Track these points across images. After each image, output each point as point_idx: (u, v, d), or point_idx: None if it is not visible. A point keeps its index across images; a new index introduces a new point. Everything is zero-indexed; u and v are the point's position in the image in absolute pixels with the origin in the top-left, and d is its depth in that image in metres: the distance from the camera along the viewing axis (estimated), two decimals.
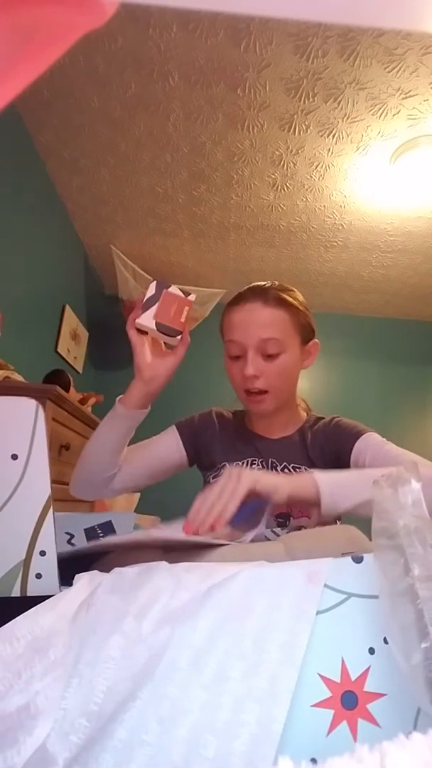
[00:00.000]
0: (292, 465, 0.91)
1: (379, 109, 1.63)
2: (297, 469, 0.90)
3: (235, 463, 0.93)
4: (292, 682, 0.36)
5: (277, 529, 0.83)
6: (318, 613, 0.39)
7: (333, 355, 3.16)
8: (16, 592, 0.42)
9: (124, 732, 0.34)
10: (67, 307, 2.51)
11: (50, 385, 1.72)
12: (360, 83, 1.54)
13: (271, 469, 0.91)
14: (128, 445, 0.93)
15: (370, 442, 0.86)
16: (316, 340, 0.95)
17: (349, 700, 0.38)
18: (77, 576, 0.42)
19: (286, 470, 0.90)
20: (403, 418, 3.15)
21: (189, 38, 1.43)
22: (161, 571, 0.42)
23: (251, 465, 0.92)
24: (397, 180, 1.94)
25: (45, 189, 2.14)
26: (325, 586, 0.40)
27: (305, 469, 0.90)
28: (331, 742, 0.35)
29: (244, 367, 0.85)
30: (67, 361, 2.54)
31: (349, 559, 0.42)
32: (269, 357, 0.86)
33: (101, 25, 0.17)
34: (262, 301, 0.87)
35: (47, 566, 0.43)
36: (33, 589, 0.42)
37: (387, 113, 1.64)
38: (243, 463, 0.93)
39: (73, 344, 2.62)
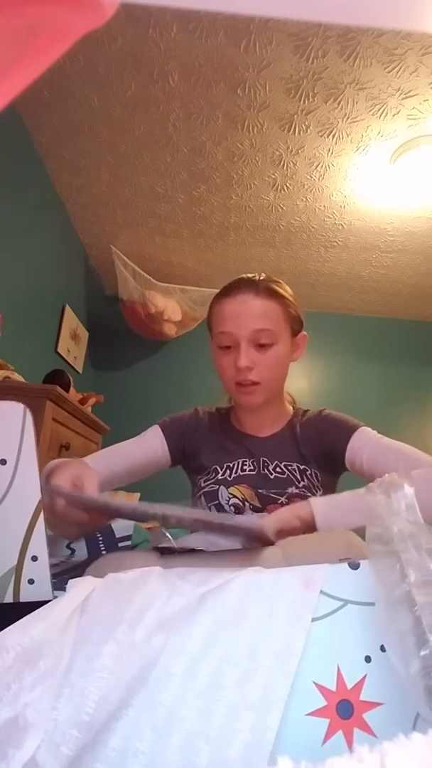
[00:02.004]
0: (284, 463, 0.90)
1: (379, 109, 1.63)
2: (289, 467, 0.89)
3: (225, 465, 0.92)
4: (285, 690, 0.35)
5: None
6: (314, 619, 0.38)
7: (333, 355, 3.16)
8: (8, 598, 0.42)
9: (118, 740, 0.34)
10: (67, 307, 2.51)
11: (50, 385, 1.72)
12: (360, 83, 1.54)
13: (263, 469, 0.90)
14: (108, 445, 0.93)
15: (365, 438, 0.85)
16: (305, 333, 0.94)
17: (344, 709, 0.37)
18: (71, 582, 0.41)
19: (278, 469, 0.90)
20: (403, 418, 3.15)
21: (189, 38, 1.43)
22: (156, 576, 0.41)
23: (242, 466, 0.91)
24: (397, 180, 1.94)
25: (45, 189, 2.14)
26: (321, 592, 0.39)
27: (297, 466, 0.89)
28: (326, 752, 0.35)
29: (237, 359, 0.84)
30: (67, 361, 2.54)
31: (345, 565, 0.41)
32: (261, 347, 0.85)
33: (101, 25, 0.17)
34: (254, 292, 0.87)
35: (39, 571, 0.42)
36: (26, 595, 0.42)
37: (387, 113, 1.64)
38: (234, 464, 0.92)
39: (73, 344, 2.62)
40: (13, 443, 0.40)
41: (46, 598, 0.42)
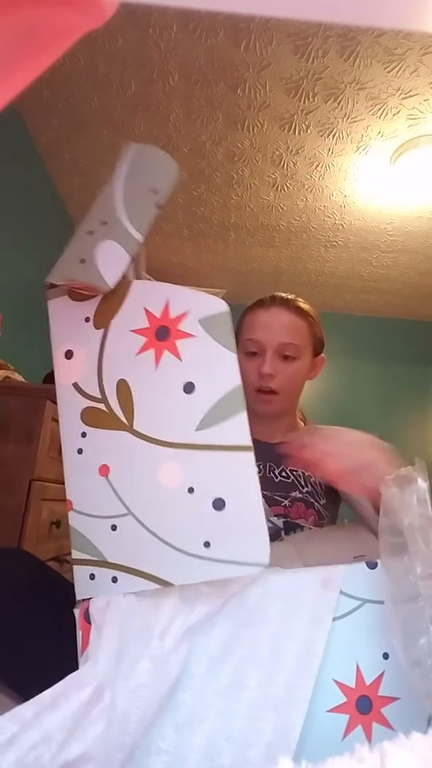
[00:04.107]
0: (290, 468, 0.92)
1: (379, 109, 1.63)
2: (294, 472, 0.92)
3: None
4: (308, 690, 0.36)
5: (274, 518, 0.84)
6: (333, 619, 0.39)
7: (333, 355, 3.15)
8: (73, 554, 0.44)
9: (142, 740, 0.34)
10: None
11: (50, 385, 1.72)
12: (360, 83, 1.54)
13: (269, 472, 0.92)
14: None
15: None
16: (323, 356, 1.01)
17: (363, 705, 0.38)
18: (93, 600, 0.41)
19: (283, 473, 0.92)
20: (403, 418, 3.15)
21: (189, 38, 1.43)
22: (179, 586, 0.42)
23: None
24: (397, 180, 1.94)
25: (45, 189, 2.14)
26: (341, 592, 0.41)
27: (302, 472, 0.91)
28: (345, 747, 0.36)
29: (261, 366, 0.89)
30: None
31: (363, 564, 0.42)
32: (285, 359, 0.91)
33: (101, 25, 0.17)
34: (286, 308, 0.93)
35: (104, 585, 0.43)
36: (78, 573, 0.44)
37: (387, 113, 1.64)
38: None
39: None
40: (228, 552, 0.41)
41: (77, 594, 0.43)
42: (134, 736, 0.34)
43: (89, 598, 0.41)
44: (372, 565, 0.42)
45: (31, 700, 0.35)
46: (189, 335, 0.44)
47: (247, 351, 0.93)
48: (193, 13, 1.35)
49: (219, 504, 0.40)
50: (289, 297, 0.96)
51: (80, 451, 0.44)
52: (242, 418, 0.41)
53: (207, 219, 2.35)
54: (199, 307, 0.46)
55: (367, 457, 0.66)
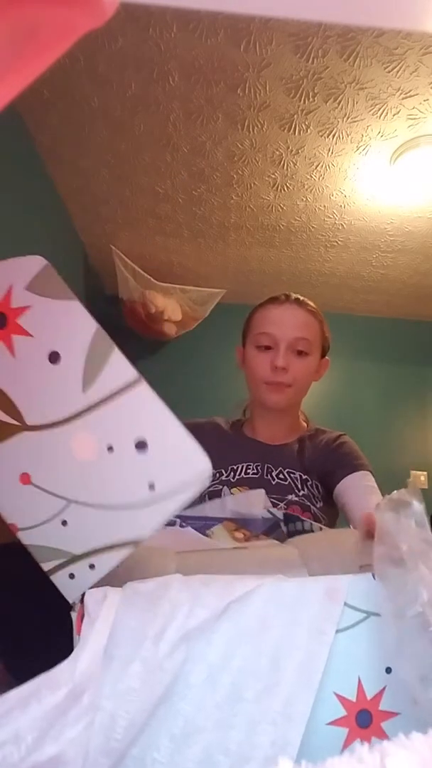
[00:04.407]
0: (287, 470, 0.92)
1: (379, 109, 1.63)
2: (291, 474, 0.92)
3: (230, 467, 0.93)
4: (308, 705, 0.35)
5: (274, 510, 0.84)
6: (337, 632, 0.38)
7: (333, 355, 3.15)
8: (45, 567, 0.42)
9: (136, 750, 0.34)
10: None
11: None
12: (360, 83, 1.54)
13: (266, 474, 0.92)
14: None
15: (361, 483, 0.87)
16: (328, 358, 1.02)
17: (363, 719, 0.38)
18: (89, 593, 0.41)
19: (281, 475, 0.92)
20: (403, 418, 3.15)
21: (189, 38, 1.43)
22: (178, 585, 0.41)
23: (246, 469, 0.93)
24: (397, 180, 1.94)
25: (45, 189, 2.14)
26: (345, 604, 0.40)
27: (299, 475, 0.91)
28: None
29: (275, 358, 0.90)
30: None
31: (369, 575, 0.41)
32: (299, 354, 0.92)
33: (101, 25, 0.17)
34: (298, 305, 0.95)
35: (86, 577, 0.42)
36: (58, 580, 0.42)
37: (387, 113, 1.64)
38: (238, 467, 0.94)
39: None
40: (172, 480, 0.39)
41: (69, 598, 0.42)
42: (123, 742, 0.33)
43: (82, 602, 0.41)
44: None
45: (12, 693, 0.35)
46: (25, 308, 0.41)
47: (260, 345, 0.93)
48: (193, 13, 1.35)
49: (141, 445, 0.39)
50: (301, 297, 0.98)
51: None
52: (117, 356, 0.39)
53: (207, 219, 2.35)
54: (19, 275, 0.44)
55: None
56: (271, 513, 0.74)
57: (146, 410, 0.39)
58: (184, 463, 0.39)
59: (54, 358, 0.39)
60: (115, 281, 2.70)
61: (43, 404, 0.39)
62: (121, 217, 2.40)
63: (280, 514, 0.74)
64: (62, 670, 0.36)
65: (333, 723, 0.37)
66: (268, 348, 0.92)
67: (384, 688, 0.39)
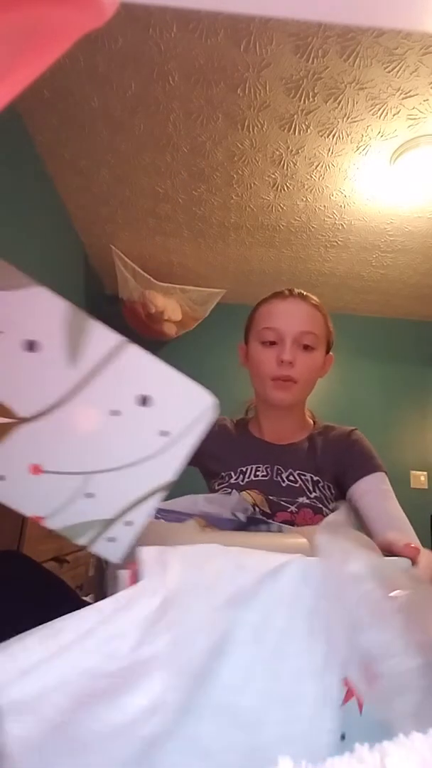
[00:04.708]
0: (298, 472, 0.90)
1: (379, 109, 1.63)
2: (302, 476, 0.90)
3: (239, 470, 0.92)
4: (339, 659, 0.40)
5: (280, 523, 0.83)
6: None
7: (333, 354, 3.16)
8: (82, 542, 0.42)
9: (204, 698, 0.38)
10: None
11: None
12: (360, 83, 1.54)
13: (276, 476, 0.90)
14: None
15: (376, 486, 0.86)
16: (332, 354, 1.00)
17: None
18: (145, 550, 0.42)
19: (291, 477, 0.90)
20: (404, 418, 3.15)
21: (189, 38, 1.43)
22: (220, 552, 0.44)
23: (255, 471, 0.92)
24: (397, 180, 1.94)
25: (45, 189, 2.14)
26: None
27: (310, 477, 0.89)
28: (345, 711, 0.40)
29: (281, 353, 0.88)
30: None
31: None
32: (305, 349, 0.90)
33: (101, 25, 0.17)
34: (302, 299, 0.94)
35: (125, 535, 0.43)
36: (99, 548, 0.43)
37: (387, 113, 1.64)
38: (247, 469, 0.92)
39: None
40: (182, 422, 0.41)
41: (114, 560, 0.43)
42: (192, 673, 0.37)
43: (132, 562, 0.42)
44: None
45: (108, 600, 0.37)
46: None
47: (264, 340, 0.91)
48: (193, 13, 1.35)
49: (145, 400, 0.40)
50: (304, 292, 0.97)
51: (1, 479, 0.40)
52: (95, 326, 0.38)
53: (207, 219, 2.35)
54: None
55: None
56: (235, 516, 0.74)
57: (139, 367, 0.39)
58: (190, 403, 0.41)
59: (31, 346, 0.38)
60: (115, 281, 2.70)
61: (32, 393, 0.39)
62: (121, 217, 2.40)
63: (243, 517, 0.74)
64: (154, 580, 0.39)
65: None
66: (273, 343, 0.90)
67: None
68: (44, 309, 0.38)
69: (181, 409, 0.41)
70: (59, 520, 0.42)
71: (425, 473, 3.02)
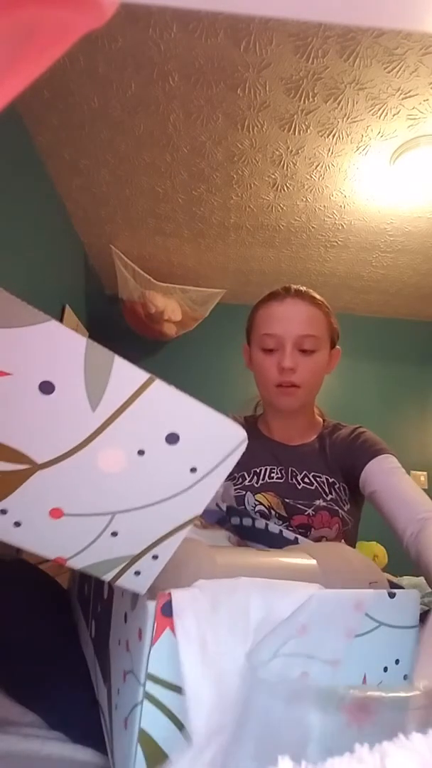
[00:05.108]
0: (312, 474, 0.90)
1: (379, 109, 1.63)
2: (317, 478, 0.89)
3: (252, 471, 0.92)
4: None
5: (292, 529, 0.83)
6: (356, 636, 0.46)
7: (340, 348, 3.16)
8: (108, 577, 0.41)
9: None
10: (67, 307, 2.51)
11: None
12: (360, 83, 1.54)
13: (291, 478, 0.90)
14: None
15: (384, 466, 0.84)
16: (339, 348, 0.97)
17: None
18: (177, 593, 0.42)
19: (306, 479, 0.89)
20: (403, 418, 3.15)
21: (189, 38, 1.43)
22: (248, 587, 0.45)
23: (270, 473, 0.91)
24: (397, 180, 1.94)
25: (45, 189, 2.14)
26: (366, 614, 0.47)
27: (326, 478, 0.89)
28: None
29: (282, 360, 0.86)
30: None
31: (385, 593, 0.49)
32: (305, 352, 0.88)
33: (101, 25, 0.17)
34: (302, 298, 0.90)
35: (151, 568, 0.42)
36: (125, 581, 0.42)
37: (387, 113, 1.64)
38: (261, 470, 0.92)
39: None
40: (213, 458, 0.39)
41: (139, 592, 0.42)
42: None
43: (166, 593, 0.41)
44: (392, 595, 0.49)
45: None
46: None
47: (265, 347, 0.89)
48: (193, 13, 1.35)
49: (172, 438, 0.38)
50: (303, 288, 0.93)
51: (18, 524, 0.38)
52: (120, 364, 0.35)
53: (207, 219, 2.35)
54: None
55: None
56: (218, 507, 0.75)
57: (166, 404, 0.37)
58: (219, 438, 0.39)
59: (46, 388, 0.35)
60: (115, 281, 2.70)
61: (50, 438, 0.36)
62: (121, 217, 2.40)
63: (224, 506, 0.75)
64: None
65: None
66: (274, 350, 0.89)
67: (380, 683, 0.48)
68: (60, 347, 0.35)
69: (211, 445, 0.39)
70: (83, 559, 0.40)
71: (425, 473, 3.02)
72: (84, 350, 0.35)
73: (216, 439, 0.39)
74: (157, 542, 0.41)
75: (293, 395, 0.88)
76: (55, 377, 0.35)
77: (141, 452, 0.38)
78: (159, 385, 0.36)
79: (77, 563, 0.40)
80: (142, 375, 0.36)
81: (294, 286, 0.93)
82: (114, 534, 0.40)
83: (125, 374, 0.36)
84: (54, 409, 0.35)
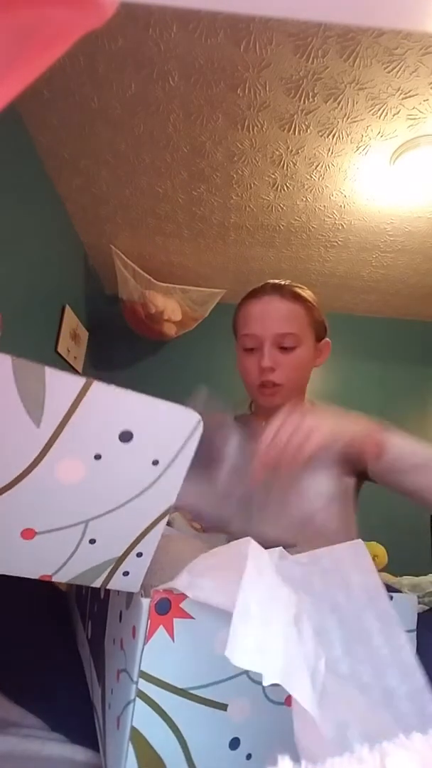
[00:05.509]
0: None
1: (379, 109, 1.63)
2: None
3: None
4: None
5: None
6: None
7: (333, 355, 3.13)
8: (97, 584, 0.41)
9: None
10: (67, 307, 2.51)
11: None
12: (360, 83, 1.54)
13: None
14: None
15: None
16: (328, 340, 0.96)
17: None
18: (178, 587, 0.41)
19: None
20: (403, 418, 3.14)
21: (189, 38, 1.43)
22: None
23: None
24: (397, 180, 1.94)
25: (45, 189, 2.14)
26: None
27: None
28: None
29: (261, 359, 0.86)
30: (67, 361, 2.53)
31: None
32: (285, 350, 0.87)
33: (101, 25, 0.17)
34: (279, 295, 0.88)
35: (138, 566, 0.42)
36: (115, 584, 0.42)
37: (387, 113, 1.64)
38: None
39: (73, 344, 2.62)
40: (172, 447, 0.39)
41: (133, 591, 0.42)
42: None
43: (160, 590, 0.41)
44: (389, 598, 0.48)
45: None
46: None
47: (245, 347, 0.89)
48: (193, 13, 1.35)
49: (126, 436, 0.37)
50: (282, 283, 0.91)
51: None
52: (52, 374, 0.35)
53: (207, 219, 2.35)
54: None
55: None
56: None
57: (110, 404, 0.36)
58: (175, 425, 0.38)
59: None
60: (115, 281, 2.70)
61: (2, 462, 0.35)
62: (121, 217, 2.40)
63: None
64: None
65: None
66: (253, 350, 0.88)
67: None
68: None
69: (166, 434, 0.38)
70: (68, 572, 0.40)
71: None
72: (11, 367, 0.34)
73: (170, 428, 0.38)
74: (137, 540, 0.41)
75: (276, 395, 0.88)
76: None
77: (98, 456, 0.37)
78: (98, 386, 0.35)
79: (63, 577, 0.40)
80: (79, 380, 0.35)
81: (272, 282, 0.92)
82: (92, 541, 0.40)
83: (61, 383, 0.35)
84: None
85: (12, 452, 0.35)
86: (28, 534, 0.38)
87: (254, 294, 0.91)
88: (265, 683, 0.30)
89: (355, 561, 0.46)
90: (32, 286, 2.10)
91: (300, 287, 0.93)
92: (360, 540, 0.48)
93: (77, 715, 0.53)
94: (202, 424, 0.39)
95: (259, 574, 0.38)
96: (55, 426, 0.35)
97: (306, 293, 0.92)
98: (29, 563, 0.39)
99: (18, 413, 0.34)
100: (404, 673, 0.41)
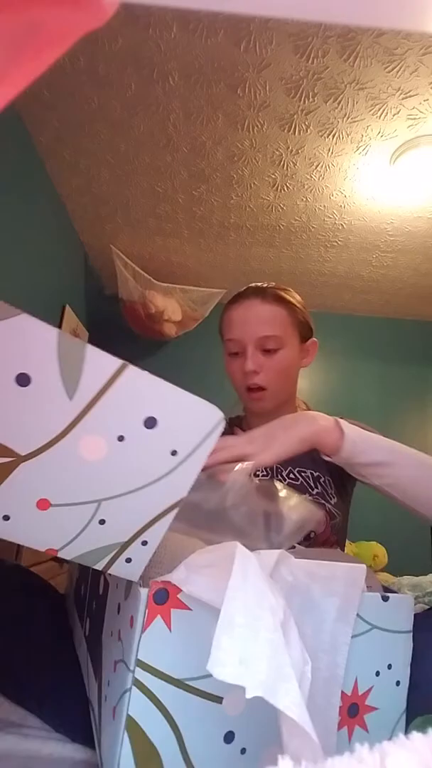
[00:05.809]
0: (297, 469, 0.90)
1: (379, 109, 1.63)
2: (302, 473, 0.90)
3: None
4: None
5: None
6: (351, 636, 0.46)
7: (333, 355, 3.16)
8: (99, 566, 0.42)
9: None
10: (67, 307, 2.51)
11: None
12: (360, 83, 1.54)
13: (276, 475, 0.90)
14: None
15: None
16: (315, 339, 0.95)
17: (352, 711, 0.47)
18: (176, 579, 0.41)
19: (291, 475, 0.90)
20: (403, 418, 3.15)
21: (189, 38, 1.43)
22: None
23: (255, 471, 0.91)
24: (397, 180, 1.94)
25: (45, 189, 2.14)
26: (357, 615, 0.47)
27: (310, 473, 0.89)
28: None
29: (244, 364, 0.86)
30: None
31: (378, 596, 0.49)
32: (268, 352, 0.86)
33: (101, 25, 0.17)
34: (260, 298, 0.88)
35: (142, 554, 0.42)
36: (117, 569, 0.42)
37: (387, 113, 1.64)
38: None
39: None
40: (193, 440, 0.40)
41: (132, 579, 0.43)
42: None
43: (159, 581, 0.41)
44: (385, 598, 0.49)
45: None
46: None
47: (230, 352, 0.90)
48: (193, 13, 1.35)
49: (151, 422, 0.38)
50: (264, 285, 0.91)
51: (6, 518, 0.38)
52: (92, 352, 0.36)
53: (207, 219, 2.35)
54: None
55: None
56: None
57: (142, 390, 0.38)
58: (197, 420, 0.40)
59: (23, 380, 0.35)
60: (115, 281, 2.70)
61: (31, 430, 0.37)
62: (121, 218, 2.40)
63: None
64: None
65: None
66: (237, 354, 0.89)
67: (372, 687, 0.48)
68: (33, 339, 0.36)
69: (189, 428, 0.40)
70: (73, 549, 0.41)
71: None
72: (56, 340, 0.36)
73: (193, 421, 0.40)
74: (145, 528, 0.41)
75: (263, 398, 0.88)
76: (30, 369, 0.35)
77: (121, 438, 0.38)
78: (132, 370, 0.37)
79: (68, 554, 0.41)
80: (116, 361, 0.36)
81: (254, 286, 0.92)
82: (102, 522, 0.40)
83: (99, 362, 0.36)
84: (32, 401, 0.36)
85: (44, 421, 0.37)
86: (44, 504, 0.39)
87: (236, 299, 0.91)
88: (248, 696, 0.30)
89: (346, 583, 0.46)
90: (32, 286, 2.10)
91: (283, 289, 0.92)
92: (364, 565, 0.48)
93: (78, 715, 0.54)
94: (224, 422, 0.40)
95: (245, 579, 0.38)
96: (87, 402, 0.37)
97: (289, 295, 0.91)
98: (40, 534, 0.40)
99: (55, 384, 0.36)
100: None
